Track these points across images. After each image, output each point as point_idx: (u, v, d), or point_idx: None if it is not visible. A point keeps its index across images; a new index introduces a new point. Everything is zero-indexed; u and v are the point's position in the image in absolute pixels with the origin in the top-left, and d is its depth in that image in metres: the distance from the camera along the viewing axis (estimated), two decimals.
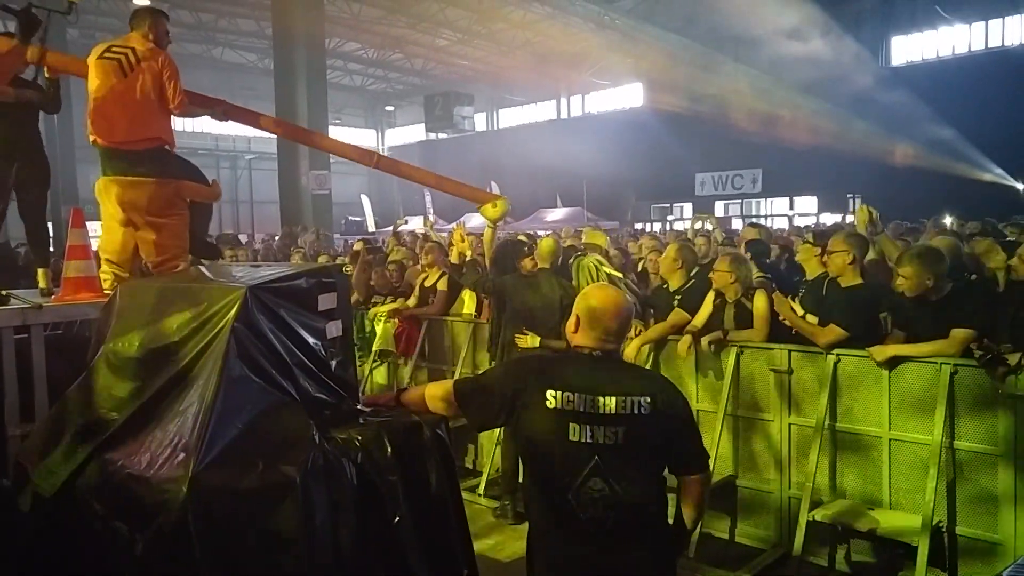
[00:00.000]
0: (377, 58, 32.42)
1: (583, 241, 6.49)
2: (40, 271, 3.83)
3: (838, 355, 3.77)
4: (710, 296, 4.30)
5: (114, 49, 3.33)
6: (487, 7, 24.55)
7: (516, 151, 27.23)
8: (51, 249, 4.59)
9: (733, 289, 4.19)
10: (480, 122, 34.62)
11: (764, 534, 4.10)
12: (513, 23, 26.13)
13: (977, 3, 19.62)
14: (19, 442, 2.63)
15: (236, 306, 2.14)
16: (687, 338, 4.23)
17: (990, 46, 20.05)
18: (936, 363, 3.46)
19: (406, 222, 16.52)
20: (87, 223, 3.70)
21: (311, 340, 2.34)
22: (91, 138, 3.37)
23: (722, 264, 4.26)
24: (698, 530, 3.64)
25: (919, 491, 3.45)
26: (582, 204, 22.53)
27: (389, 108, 39.34)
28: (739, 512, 4.21)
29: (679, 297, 4.48)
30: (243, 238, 18.22)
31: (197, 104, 3.64)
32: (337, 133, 29.61)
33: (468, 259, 5.37)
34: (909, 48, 21.50)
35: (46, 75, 3.70)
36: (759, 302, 4.12)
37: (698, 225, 9.45)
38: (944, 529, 3.45)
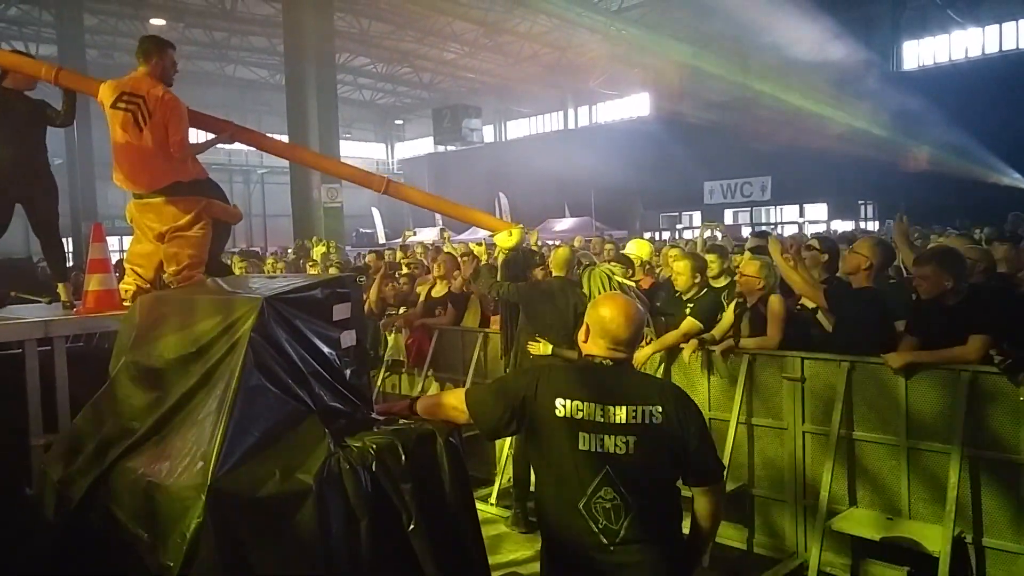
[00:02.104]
0: (386, 72, 32.75)
1: (626, 252, 6.25)
2: (60, 285, 3.91)
3: (852, 362, 3.74)
4: (731, 307, 4.29)
5: (125, 98, 3.42)
6: (494, 20, 24.77)
7: (524, 162, 27.35)
8: (69, 263, 4.67)
9: (758, 294, 4.16)
10: (488, 134, 34.84)
11: (780, 544, 4.06)
12: (520, 35, 26.33)
13: (991, 6, 19.54)
14: (42, 452, 2.68)
15: (253, 316, 2.17)
16: (692, 343, 4.22)
17: (1004, 49, 19.92)
18: (955, 370, 3.41)
19: (415, 233, 16.62)
20: (107, 237, 3.78)
21: (326, 350, 2.36)
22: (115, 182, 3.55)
23: (750, 268, 4.23)
24: (712, 540, 3.61)
25: (939, 501, 3.40)
26: (590, 214, 22.57)
27: (398, 122, 39.68)
28: (754, 522, 4.18)
29: (691, 305, 4.48)
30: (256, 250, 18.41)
31: (205, 126, 3.74)
32: (347, 147, 29.87)
33: (483, 263, 5.37)
34: (921, 52, 21.43)
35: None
36: (775, 305, 4.10)
37: (707, 234, 9.44)
38: (967, 540, 3.38)
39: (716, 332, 4.28)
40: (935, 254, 3.55)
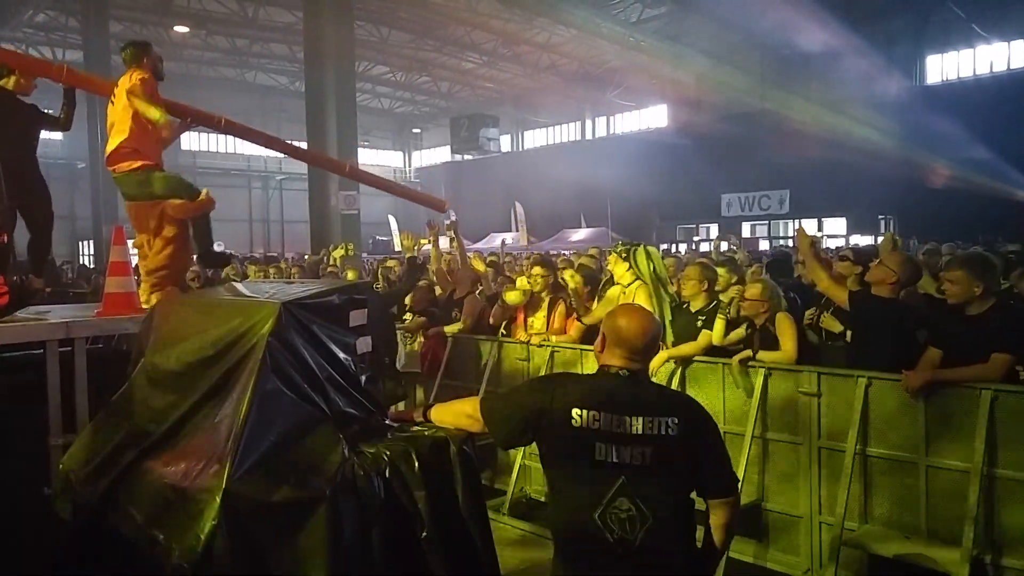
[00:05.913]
0: (405, 81, 33.01)
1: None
2: (33, 278, 3.85)
3: (869, 378, 3.70)
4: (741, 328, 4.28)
5: (116, 90, 3.53)
6: (512, 30, 24.89)
7: (541, 172, 27.39)
8: (91, 266, 4.70)
9: (764, 316, 4.15)
10: (505, 143, 34.94)
11: (794, 560, 4.00)
12: (538, 45, 26.45)
13: (1016, 20, 19.29)
14: (61, 452, 2.71)
15: (270, 321, 2.19)
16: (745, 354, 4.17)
17: None
18: (976, 388, 3.35)
19: (429, 242, 16.63)
20: (128, 241, 3.82)
21: (342, 355, 2.38)
22: None
23: (752, 290, 4.21)
24: (725, 554, 3.57)
25: (958, 520, 3.33)
26: (607, 224, 22.52)
27: (416, 130, 39.96)
28: (768, 537, 4.12)
29: (703, 318, 4.44)
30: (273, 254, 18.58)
31: (193, 117, 3.79)
32: (365, 155, 30.08)
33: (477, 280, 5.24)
34: (945, 66, 21.21)
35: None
36: (783, 321, 4.08)
37: (723, 247, 9.40)
38: (986, 561, 3.31)
39: (733, 337, 4.27)
40: (966, 259, 3.49)
